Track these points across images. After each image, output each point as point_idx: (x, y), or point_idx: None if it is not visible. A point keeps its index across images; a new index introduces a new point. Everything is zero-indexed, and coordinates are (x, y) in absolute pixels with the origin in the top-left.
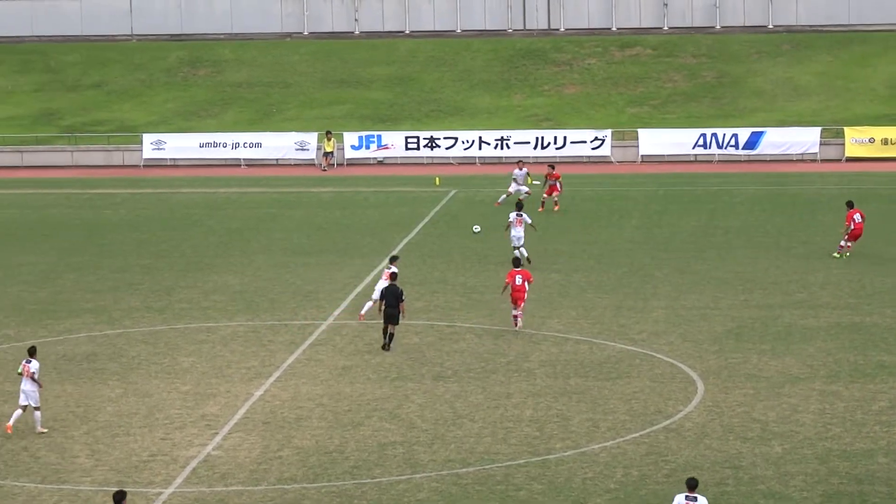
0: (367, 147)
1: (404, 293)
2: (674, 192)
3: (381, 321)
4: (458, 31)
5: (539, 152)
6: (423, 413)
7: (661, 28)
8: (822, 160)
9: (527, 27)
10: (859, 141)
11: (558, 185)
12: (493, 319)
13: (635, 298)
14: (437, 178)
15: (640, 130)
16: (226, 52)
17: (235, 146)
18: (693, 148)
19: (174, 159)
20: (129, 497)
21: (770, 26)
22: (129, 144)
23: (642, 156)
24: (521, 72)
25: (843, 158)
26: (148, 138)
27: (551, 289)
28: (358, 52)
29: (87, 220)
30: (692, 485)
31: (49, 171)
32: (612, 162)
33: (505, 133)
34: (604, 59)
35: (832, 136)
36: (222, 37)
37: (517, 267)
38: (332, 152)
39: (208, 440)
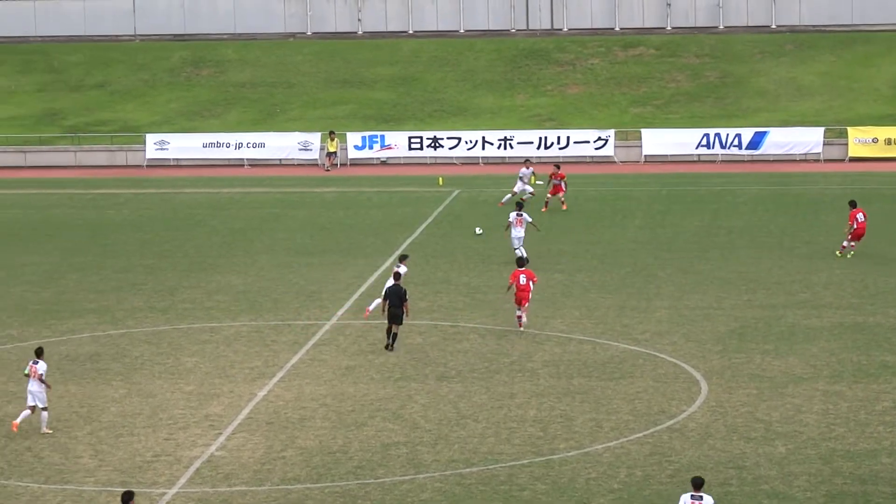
0: (371, 147)
1: (408, 293)
2: (677, 192)
3: (385, 321)
4: (462, 31)
5: (542, 152)
6: (427, 413)
7: (664, 28)
8: (825, 160)
9: (530, 27)
10: (863, 141)
11: (563, 184)
12: (496, 319)
13: (639, 298)
14: (441, 179)
15: (643, 130)
16: (229, 52)
17: (239, 146)
18: (696, 148)
19: (177, 159)
20: (135, 498)
21: (773, 26)
22: (132, 144)
23: (645, 156)
24: (524, 72)
25: (847, 158)
26: (151, 138)
27: (555, 289)
28: (361, 53)
29: (91, 221)
30: (698, 484)
31: (52, 171)
32: (615, 162)
33: (508, 133)
34: (607, 59)
35: (835, 136)
36: (226, 37)
37: (521, 266)
38: (335, 152)
39: (212, 440)
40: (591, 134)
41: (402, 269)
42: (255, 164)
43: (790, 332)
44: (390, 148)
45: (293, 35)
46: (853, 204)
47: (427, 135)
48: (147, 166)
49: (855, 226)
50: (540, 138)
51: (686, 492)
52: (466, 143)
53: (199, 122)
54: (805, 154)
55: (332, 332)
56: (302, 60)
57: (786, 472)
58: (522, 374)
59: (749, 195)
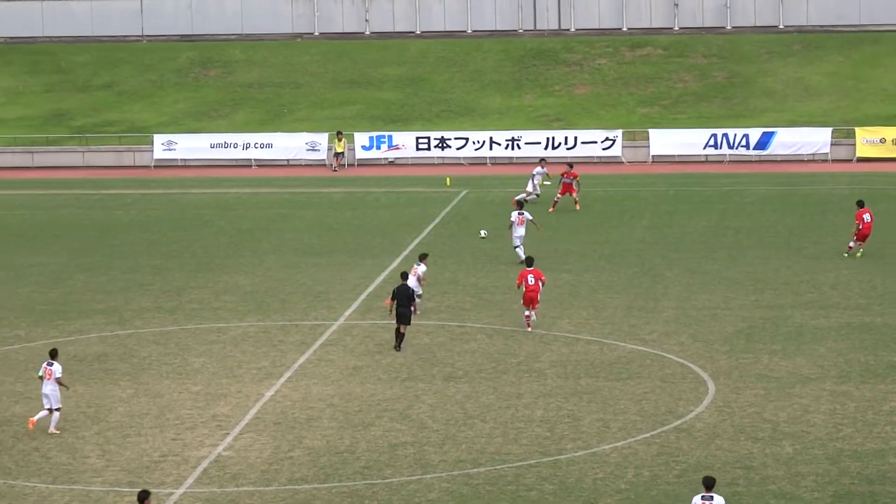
0: (378, 147)
1: (415, 292)
2: (684, 193)
3: (393, 322)
4: (469, 31)
5: (550, 152)
6: (434, 413)
7: (671, 28)
8: (832, 160)
9: (537, 27)
10: (870, 141)
11: (574, 184)
12: (503, 320)
13: (646, 299)
14: (448, 179)
15: (650, 130)
16: (236, 52)
17: (246, 147)
18: (704, 148)
19: (185, 160)
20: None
21: (781, 26)
22: (139, 145)
23: (653, 156)
24: (531, 72)
25: (854, 159)
26: (159, 139)
27: (562, 289)
28: (368, 53)
29: (98, 221)
30: (709, 484)
31: (59, 171)
32: (622, 162)
33: (516, 133)
34: (614, 59)
35: (843, 136)
36: (233, 37)
37: (529, 266)
38: (342, 153)
39: (219, 441)
40: (599, 134)
41: (422, 268)
42: (262, 164)
43: (798, 332)
44: (398, 148)
45: (301, 35)
46: (860, 204)
47: (435, 135)
48: (155, 167)
49: (861, 226)
50: (547, 139)
51: (696, 493)
52: (474, 143)
53: (207, 123)
54: (813, 154)
55: (340, 332)
56: (309, 61)
57: (793, 472)
58: (530, 375)
59: (757, 195)
